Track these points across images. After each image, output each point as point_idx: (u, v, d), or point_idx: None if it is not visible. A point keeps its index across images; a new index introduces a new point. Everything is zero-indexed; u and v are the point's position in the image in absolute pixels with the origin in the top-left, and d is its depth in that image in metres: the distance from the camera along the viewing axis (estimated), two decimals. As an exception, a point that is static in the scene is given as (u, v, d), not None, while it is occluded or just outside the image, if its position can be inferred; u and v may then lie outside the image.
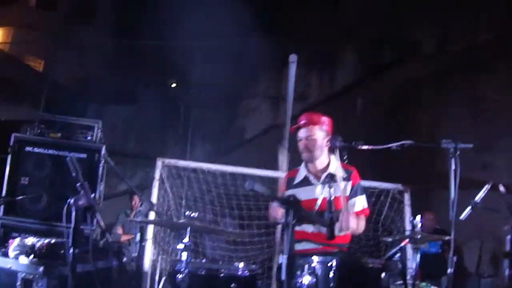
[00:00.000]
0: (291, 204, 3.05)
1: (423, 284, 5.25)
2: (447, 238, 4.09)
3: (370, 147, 4.14)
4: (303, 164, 4.72)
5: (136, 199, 9.17)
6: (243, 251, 8.43)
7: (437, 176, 10.89)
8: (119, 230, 9.19)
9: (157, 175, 7.74)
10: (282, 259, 3.08)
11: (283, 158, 8.51)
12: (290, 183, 4.73)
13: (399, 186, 8.13)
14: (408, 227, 7.83)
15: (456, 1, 11.67)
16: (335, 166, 4.58)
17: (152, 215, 7.21)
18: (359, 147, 4.16)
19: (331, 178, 4.43)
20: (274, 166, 8.64)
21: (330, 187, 3.50)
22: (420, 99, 12.16)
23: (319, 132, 4.54)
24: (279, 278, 4.56)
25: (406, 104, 12.07)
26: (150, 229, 7.52)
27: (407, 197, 8.11)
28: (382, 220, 8.15)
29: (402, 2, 12.06)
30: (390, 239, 5.14)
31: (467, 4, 11.63)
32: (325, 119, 4.64)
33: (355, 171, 4.63)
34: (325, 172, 4.55)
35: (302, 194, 4.35)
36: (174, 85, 14.87)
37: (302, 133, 4.58)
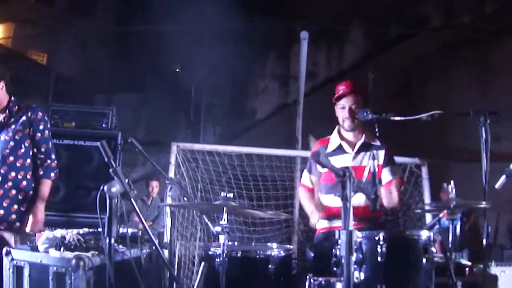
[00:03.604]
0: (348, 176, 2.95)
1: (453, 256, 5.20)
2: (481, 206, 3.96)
3: (402, 118, 4.05)
4: (335, 132, 4.62)
5: (153, 185, 9.18)
6: (261, 232, 8.39)
7: (453, 150, 10.92)
8: (136, 218, 9.19)
9: (172, 159, 7.66)
10: (340, 234, 2.98)
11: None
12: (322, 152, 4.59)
13: (416, 160, 8.00)
14: (427, 200, 7.77)
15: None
16: (369, 135, 4.52)
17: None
18: (391, 118, 4.07)
19: (366, 147, 4.37)
20: (287, 145, 8.59)
21: (373, 159, 3.40)
22: (430, 73, 12.08)
23: (361, 101, 4.45)
24: (306, 258, 4.50)
25: (416, 78, 11.99)
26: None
27: (424, 171, 8.01)
28: (400, 194, 8.08)
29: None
30: (419, 211, 5.09)
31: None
32: (364, 87, 4.57)
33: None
34: (360, 141, 4.48)
35: (336, 162, 4.27)
36: (178, 70, 14.84)
37: (346, 102, 4.44)
